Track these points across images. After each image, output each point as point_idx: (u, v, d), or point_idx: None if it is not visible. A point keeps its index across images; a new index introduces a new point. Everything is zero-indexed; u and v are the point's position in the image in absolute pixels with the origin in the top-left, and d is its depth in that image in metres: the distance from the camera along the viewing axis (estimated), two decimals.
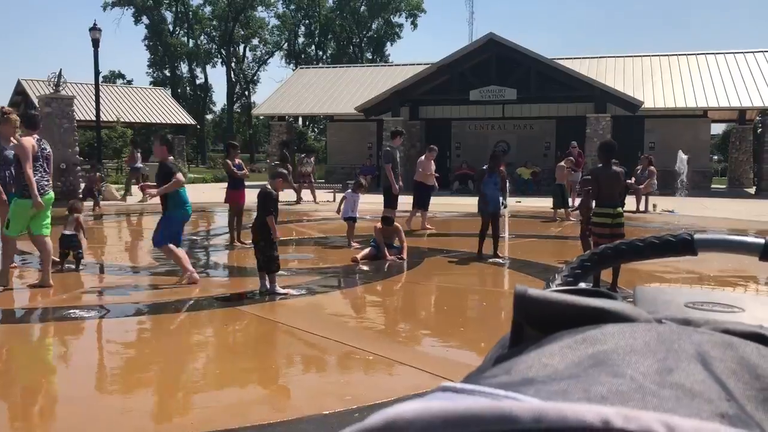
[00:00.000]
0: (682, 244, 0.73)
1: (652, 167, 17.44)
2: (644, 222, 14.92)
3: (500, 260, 9.22)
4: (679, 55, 27.86)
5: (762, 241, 0.69)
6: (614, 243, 0.79)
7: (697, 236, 0.73)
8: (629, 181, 17.51)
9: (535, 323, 0.50)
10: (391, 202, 11.30)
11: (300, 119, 43.93)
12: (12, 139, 8.30)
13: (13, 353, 5.27)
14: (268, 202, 7.08)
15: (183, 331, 6.06)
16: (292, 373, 4.86)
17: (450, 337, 5.70)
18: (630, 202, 17.15)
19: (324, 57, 62.07)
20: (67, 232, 8.33)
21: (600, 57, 28.90)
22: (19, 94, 36.55)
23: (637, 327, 0.44)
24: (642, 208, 17.24)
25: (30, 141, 7.38)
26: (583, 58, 28.78)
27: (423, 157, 12.43)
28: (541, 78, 23.50)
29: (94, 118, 23.75)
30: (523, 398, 0.32)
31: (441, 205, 18.25)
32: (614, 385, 0.33)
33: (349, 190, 10.47)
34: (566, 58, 27.21)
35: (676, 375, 0.35)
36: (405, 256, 9.24)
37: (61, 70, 19.84)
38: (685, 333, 0.42)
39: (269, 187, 7.28)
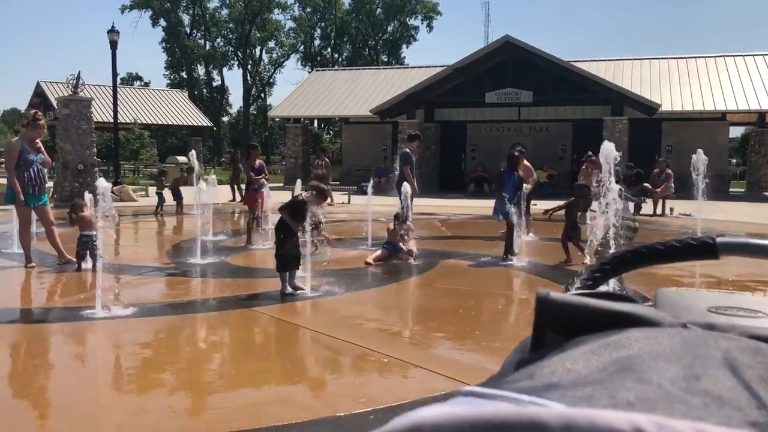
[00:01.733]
0: (704, 248, 0.72)
1: (669, 171, 17.30)
2: (661, 225, 14.80)
3: (511, 262, 9.18)
4: (698, 57, 27.63)
5: None
6: (635, 246, 0.78)
7: (719, 240, 0.72)
8: (646, 184, 17.43)
9: (556, 327, 0.49)
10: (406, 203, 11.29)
11: (315, 121, 44.05)
12: (37, 142, 8.45)
13: (29, 353, 5.32)
14: (295, 208, 7.06)
15: (198, 331, 6.09)
16: (307, 374, 4.87)
17: (465, 340, 5.68)
18: (647, 205, 17.07)
19: (340, 59, 62.22)
20: (85, 233, 8.40)
21: (617, 59, 28.73)
22: (38, 95, 36.99)
23: (662, 332, 0.43)
24: (659, 211, 17.10)
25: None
26: (599, 60, 28.63)
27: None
28: (558, 80, 23.41)
29: (111, 120, 23.96)
30: (548, 403, 0.31)
31: (456, 207, 18.21)
32: (641, 392, 0.32)
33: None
34: (583, 61, 27.09)
35: (703, 382, 0.34)
36: (414, 252, 9.25)
37: (79, 72, 20.06)
38: (711, 338, 0.41)
39: (304, 197, 7.21)
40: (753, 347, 0.40)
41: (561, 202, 9.95)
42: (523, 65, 23.61)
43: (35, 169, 8.34)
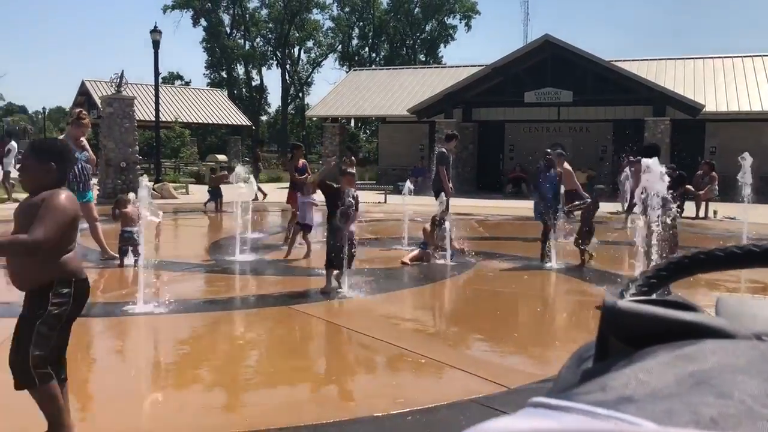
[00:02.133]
0: (767, 255, 0.70)
1: (713, 173, 16.92)
2: (704, 229, 14.48)
3: (550, 264, 9.07)
4: (743, 56, 26.94)
5: None
6: (692, 252, 0.76)
7: None
8: (688, 186, 17.06)
9: (623, 337, 0.48)
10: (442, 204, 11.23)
11: (352, 121, 44.20)
12: (82, 140, 8.64)
13: (71, 347, 5.44)
14: (329, 198, 7.15)
15: (236, 329, 6.16)
16: (344, 373, 4.88)
17: (502, 342, 5.64)
18: (689, 208, 16.72)
19: (377, 59, 62.29)
20: (127, 228, 8.56)
21: (659, 59, 28.19)
22: (83, 94, 37.85)
23: (738, 344, 0.41)
24: (702, 214, 16.74)
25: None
26: (641, 60, 28.12)
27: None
28: (598, 80, 23.08)
29: (153, 118, 24.39)
30: (630, 419, 0.31)
31: (494, 207, 18.09)
32: (723, 408, 0.31)
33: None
34: (624, 60, 26.65)
35: None
36: (461, 249, 9.24)
37: (123, 71, 20.46)
38: None
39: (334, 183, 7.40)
40: None
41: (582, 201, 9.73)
42: (563, 65, 23.33)
43: (79, 166, 8.51)
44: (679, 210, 15.29)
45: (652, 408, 0.32)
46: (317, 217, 9.70)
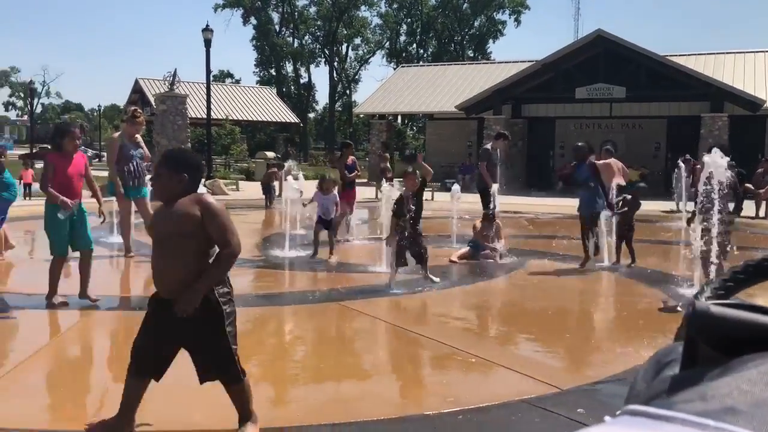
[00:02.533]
0: None
1: None
2: (764, 229, 13.98)
3: (603, 263, 8.84)
4: None
5: None
6: None
7: None
8: (748, 185, 16.49)
9: (714, 343, 0.47)
10: (488, 202, 11.08)
11: (399, 117, 44.18)
12: (137, 137, 8.83)
13: (124, 338, 5.55)
14: (398, 205, 7.25)
15: (285, 324, 6.20)
16: (394, 371, 4.86)
17: (554, 343, 5.53)
18: (749, 207, 16.16)
19: (425, 55, 62.12)
20: None
21: (717, 53, 27.34)
22: (137, 92, 38.77)
23: None
24: (762, 214, 16.16)
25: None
26: (698, 54, 27.32)
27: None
28: (652, 75, 22.51)
29: (205, 116, 24.81)
30: (734, 429, 0.30)
31: (544, 205, 17.83)
32: None
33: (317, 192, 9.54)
34: (680, 55, 25.92)
35: None
36: (499, 251, 9.07)
37: (175, 69, 20.91)
38: None
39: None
40: None
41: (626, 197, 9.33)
42: (616, 60, 22.83)
43: (134, 163, 8.70)
44: (738, 209, 14.84)
45: (760, 419, 0.31)
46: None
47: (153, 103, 23.07)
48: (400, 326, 5.76)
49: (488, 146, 10.90)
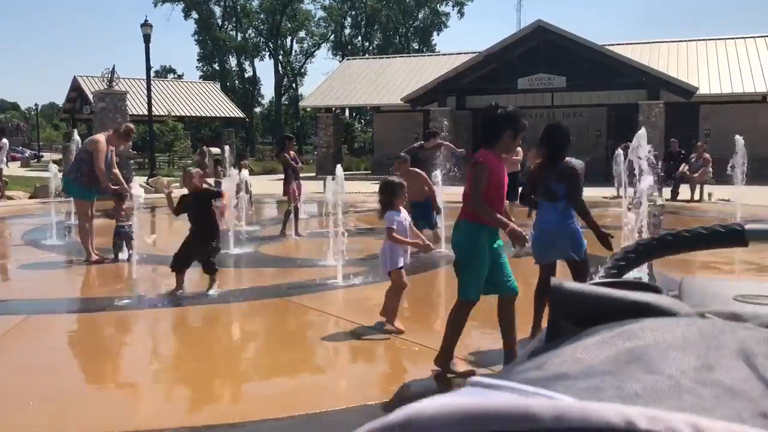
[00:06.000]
0: (732, 235, 0.70)
1: (706, 155, 16.94)
2: (699, 212, 14.51)
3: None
4: (736, 38, 26.91)
5: None
6: (660, 234, 0.77)
7: (748, 227, 0.70)
8: (684, 166, 17.07)
9: (571, 317, 0.48)
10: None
11: (347, 111, 44.10)
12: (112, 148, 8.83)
13: (69, 341, 5.45)
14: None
15: (231, 321, 6.16)
16: (339, 363, 4.90)
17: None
18: (684, 191, 16.74)
19: (370, 48, 62.08)
20: (120, 223, 8.56)
21: (653, 42, 28.13)
22: (75, 90, 37.66)
23: (677, 322, 0.41)
24: (696, 197, 16.77)
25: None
26: (635, 43, 28.06)
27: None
28: (592, 65, 23.03)
29: (146, 113, 24.30)
30: (554, 395, 0.31)
31: None
32: (650, 383, 0.32)
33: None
34: (617, 44, 26.58)
35: (716, 372, 0.33)
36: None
37: (114, 66, 20.38)
38: (728, 328, 0.40)
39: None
40: None
41: None
42: (556, 50, 23.27)
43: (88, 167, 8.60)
44: (674, 194, 15.31)
45: (581, 385, 0.32)
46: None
47: (92, 101, 22.46)
48: (344, 318, 5.79)
49: (416, 146, 11.38)
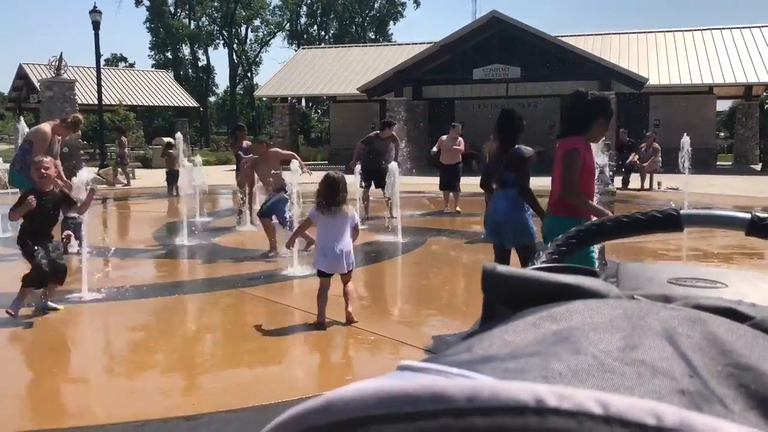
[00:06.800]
0: (669, 220, 0.72)
1: (656, 145, 17.36)
2: (649, 200, 14.88)
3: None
4: (685, 30, 27.59)
5: (748, 216, 0.67)
6: (600, 220, 0.78)
7: (683, 212, 0.72)
8: (633, 156, 17.48)
9: (503, 300, 0.48)
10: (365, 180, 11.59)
11: (303, 100, 43.77)
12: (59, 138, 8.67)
13: (17, 337, 5.30)
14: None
15: (185, 313, 6.09)
16: (295, 353, 4.88)
17: (454, 318, 5.71)
18: (635, 179, 17.14)
19: (326, 37, 61.69)
20: (70, 216, 8.34)
21: (604, 34, 28.64)
22: (21, 78, 36.44)
23: (605, 303, 0.42)
24: (646, 186, 17.18)
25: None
26: (587, 35, 28.53)
27: (445, 136, 12.93)
28: (545, 56, 23.31)
29: (96, 102, 23.71)
30: (475, 376, 0.32)
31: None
32: (574, 363, 0.32)
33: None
34: (570, 36, 26.98)
35: (639, 352, 0.34)
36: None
37: (61, 53, 19.84)
38: (653, 309, 0.41)
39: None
40: (694, 317, 0.40)
41: None
42: (511, 41, 23.48)
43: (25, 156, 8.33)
44: (625, 182, 15.67)
45: (507, 366, 0.33)
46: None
47: (39, 90, 21.83)
48: (300, 308, 5.77)
49: (372, 135, 11.66)
